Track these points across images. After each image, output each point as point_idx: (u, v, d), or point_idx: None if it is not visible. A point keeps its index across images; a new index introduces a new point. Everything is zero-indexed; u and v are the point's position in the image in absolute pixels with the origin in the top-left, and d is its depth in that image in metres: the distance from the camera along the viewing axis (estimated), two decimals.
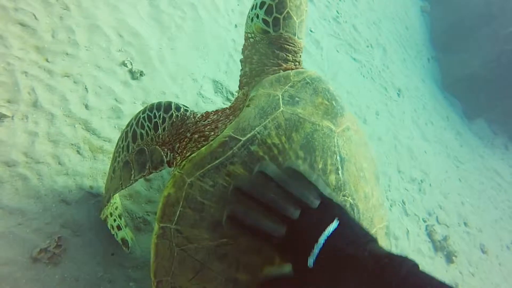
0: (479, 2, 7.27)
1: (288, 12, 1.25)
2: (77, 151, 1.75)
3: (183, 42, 2.51)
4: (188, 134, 1.18)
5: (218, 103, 2.51)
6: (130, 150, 1.25)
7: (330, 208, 0.86)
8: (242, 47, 1.42)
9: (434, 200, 3.96)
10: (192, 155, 1.06)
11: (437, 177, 4.39)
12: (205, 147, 1.05)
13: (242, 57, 1.42)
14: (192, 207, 0.99)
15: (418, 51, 6.61)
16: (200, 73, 2.51)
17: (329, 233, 0.78)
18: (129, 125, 1.30)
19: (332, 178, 1.04)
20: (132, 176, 1.21)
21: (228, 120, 1.16)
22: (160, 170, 1.18)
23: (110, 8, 2.23)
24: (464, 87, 6.96)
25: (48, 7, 1.98)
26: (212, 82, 2.56)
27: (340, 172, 1.06)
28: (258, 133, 1.02)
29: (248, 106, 1.11)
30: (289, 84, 1.16)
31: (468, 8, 7.33)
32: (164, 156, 1.17)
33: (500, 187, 6.08)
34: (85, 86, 1.91)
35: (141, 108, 2.04)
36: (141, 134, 1.24)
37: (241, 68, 1.41)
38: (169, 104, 1.23)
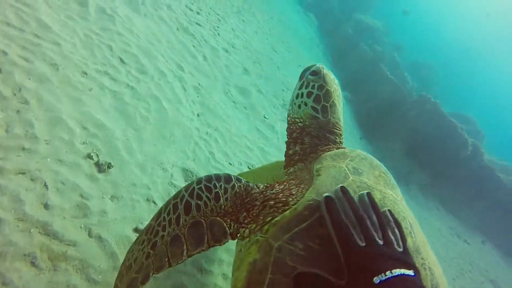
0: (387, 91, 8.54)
1: (333, 101, 1.41)
2: (32, 262, 1.39)
3: (150, 132, 2.38)
4: (258, 203, 1.17)
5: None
6: (181, 223, 1.13)
7: (410, 258, 0.88)
8: (287, 130, 1.53)
9: None
10: (275, 219, 1.04)
11: None
12: (289, 211, 1.04)
13: (288, 139, 1.52)
14: (283, 272, 0.92)
15: (349, 132, 7.26)
16: (169, 162, 2.34)
17: (403, 273, 0.79)
18: (178, 197, 1.20)
19: (410, 241, 1.04)
20: (185, 251, 1.09)
21: (300, 188, 1.17)
22: (223, 244, 1.11)
23: (73, 101, 2.07)
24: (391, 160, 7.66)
25: (3, 101, 1.76)
26: (181, 171, 2.39)
27: (413, 235, 1.08)
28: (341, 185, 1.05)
29: (319, 175, 1.17)
30: (348, 159, 1.25)
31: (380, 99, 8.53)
32: (227, 228, 1.12)
33: (447, 246, 6.31)
34: (45, 183, 1.63)
35: (111, 203, 1.80)
36: (198, 205, 1.15)
37: (290, 148, 1.49)
38: (228, 176, 1.22)
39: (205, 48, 3.98)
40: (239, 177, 1.24)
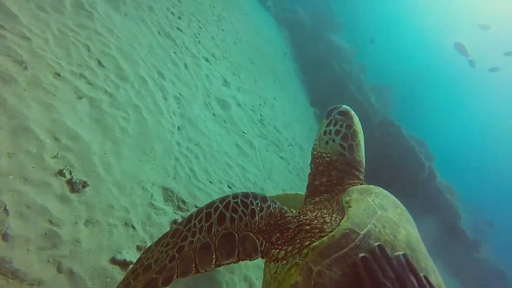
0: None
1: (359, 141, 1.51)
2: None
3: (129, 146, 2.13)
4: (292, 226, 1.20)
5: (169, 213, 2.10)
6: (213, 232, 1.15)
7: None
8: (311, 164, 1.61)
9: None
10: (313, 244, 1.07)
11: None
12: (327, 237, 1.07)
13: (311, 171, 1.59)
14: None
15: None
16: (149, 180, 2.11)
17: None
18: (211, 207, 1.22)
19: (433, 278, 1.09)
20: (214, 260, 1.10)
21: (333, 217, 1.21)
22: (253, 259, 1.13)
23: (43, 107, 1.78)
24: None
25: None
26: (162, 190, 2.17)
27: (435, 274, 1.13)
28: (372, 229, 1.08)
29: (350, 206, 1.21)
30: (374, 195, 1.29)
31: None
32: (258, 245, 1.15)
33: None
34: (5, 207, 1.34)
35: (85, 229, 1.54)
36: (232, 218, 1.18)
37: (315, 179, 1.54)
38: (265, 196, 1.26)
39: (186, 55, 3.77)
40: (275, 200, 1.29)
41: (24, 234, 1.33)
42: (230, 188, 2.88)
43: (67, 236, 1.45)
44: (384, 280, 0.90)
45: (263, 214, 1.21)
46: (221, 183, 2.81)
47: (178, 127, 2.78)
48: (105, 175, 1.82)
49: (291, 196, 2.16)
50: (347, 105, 1.60)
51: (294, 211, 1.31)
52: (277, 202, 1.29)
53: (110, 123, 2.09)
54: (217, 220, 1.17)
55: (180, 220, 2.13)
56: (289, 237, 1.17)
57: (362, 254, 0.99)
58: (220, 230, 1.15)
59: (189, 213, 2.22)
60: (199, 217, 1.20)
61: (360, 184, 1.44)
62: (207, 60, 4.20)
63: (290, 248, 1.13)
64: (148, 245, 1.77)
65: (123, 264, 1.57)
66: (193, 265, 1.08)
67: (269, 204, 1.25)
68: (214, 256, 1.10)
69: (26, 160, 1.53)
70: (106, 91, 2.26)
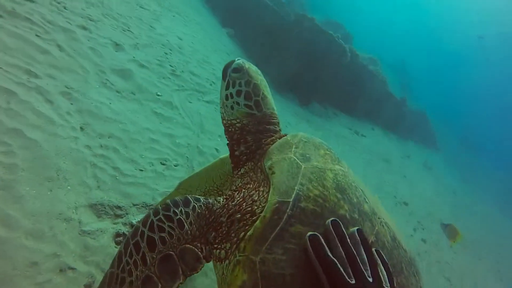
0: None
1: (263, 93, 1.38)
2: None
3: (26, 183, 1.81)
4: (224, 219, 1.14)
5: (108, 228, 1.93)
6: (148, 262, 1.03)
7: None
8: (225, 133, 1.47)
9: None
10: (248, 234, 1.02)
11: None
12: (258, 220, 1.03)
13: (228, 142, 1.47)
14: (273, 283, 0.93)
15: None
16: (70, 206, 1.86)
17: None
18: (137, 234, 1.08)
19: (366, 207, 1.14)
20: None
21: (260, 192, 1.17)
22: (200, 269, 1.07)
23: None
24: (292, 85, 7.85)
25: None
26: (89, 209, 1.95)
27: (367, 200, 1.17)
28: (299, 190, 1.06)
29: (273, 173, 1.15)
30: (293, 147, 1.26)
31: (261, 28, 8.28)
32: (199, 252, 1.08)
33: (352, 145, 7.12)
34: None
35: None
36: (162, 238, 1.06)
37: (234, 149, 1.43)
38: (186, 198, 1.15)
39: (54, 33, 3.06)
40: (196, 196, 1.18)
41: None
42: (164, 164, 2.70)
43: None
44: (333, 258, 0.88)
45: (190, 219, 1.11)
46: (152, 165, 2.61)
47: (81, 127, 2.40)
48: (9, 234, 1.55)
49: (226, 158, 2.03)
50: (239, 58, 1.43)
51: (222, 199, 1.23)
52: (201, 198, 1.18)
53: None
54: (148, 247, 1.04)
55: (122, 228, 1.98)
56: (224, 232, 1.12)
57: (310, 233, 0.96)
58: (155, 256, 1.04)
59: (128, 216, 2.07)
60: (128, 251, 1.06)
61: (279, 138, 1.37)
62: (84, 28, 3.49)
63: (228, 245, 1.08)
64: (97, 276, 1.65)
65: None
66: None
67: (193, 205, 1.13)
68: (160, 286, 1.01)
69: None
70: None
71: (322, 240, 0.94)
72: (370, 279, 0.87)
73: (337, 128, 7.70)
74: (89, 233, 1.82)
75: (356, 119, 9.25)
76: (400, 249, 1.15)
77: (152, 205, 2.25)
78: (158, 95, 3.49)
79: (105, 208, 2.02)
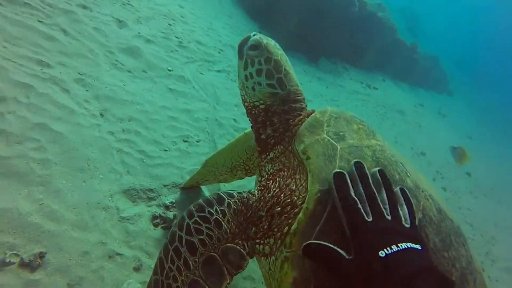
0: None
1: (285, 69, 1.27)
2: None
3: (61, 177, 1.83)
4: (263, 213, 1.10)
5: (144, 212, 1.97)
6: (192, 267, 1.00)
7: (418, 234, 0.87)
8: (248, 116, 1.39)
9: None
10: (292, 228, 0.98)
11: None
12: (301, 213, 0.98)
13: (252, 125, 1.39)
14: (326, 277, 0.88)
15: (250, 30, 6.76)
16: (105, 195, 1.90)
17: (410, 246, 0.77)
18: (175, 240, 1.04)
19: (409, 182, 1.08)
20: None
21: (296, 180, 1.11)
22: (245, 267, 1.04)
23: None
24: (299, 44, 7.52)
25: None
26: (123, 195, 1.98)
27: (409, 175, 1.11)
28: (356, 159, 1.00)
29: (308, 158, 1.09)
30: (325, 125, 1.18)
31: None
32: (241, 249, 1.05)
33: (365, 101, 6.97)
34: None
35: None
36: (201, 240, 1.02)
37: (260, 133, 1.35)
38: (218, 196, 1.10)
39: (56, 16, 2.93)
40: (229, 191, 1.13)
41: None
42: (186, 141, 2.69)
43: None
44: (354, 196, 0.88)
45: (227, 217, 1.06)
46: (175, 144, 2.61)
47: (100, 114, 2.38)
48: (57, 228, 1.60)
49: (250, 132, 1.97)
50: (255, 34, 1.31)
51: (257, 192, 1.17)
52: (234, 193, 1.12)
53: (23, 169, 1.72)
54: (188, 252, 1.01)
55: (157, 210, 2.02)
56: (265, 227, 1.07)
57: (335, 170, 0.95)
58: (197, 260, 1.01)
59: (161, 198, 2.11)
60: (169, 257, 1.03)
61: (307, 116, 1.27)
62: (84, 7, 3.33)
63: (272, 240, 1.04)
64: (141, 257, 1.71)
65: None
66: None
67: (228, 202, 1.08)
68: None
69: None
70: None
71: (347, 178, 0.92)
72: (389, 217, 0.85)
73: (348, 84, 7.48)
74: (127, 219, 1.87)
75: (366, 72, 8.94)
76: (447, 220, 1.11)
77: (181, 184, 2.27)
78: (169, 70, 3.40)
79: (138, 192, 2.05)
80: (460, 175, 6.01)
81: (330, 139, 1.12)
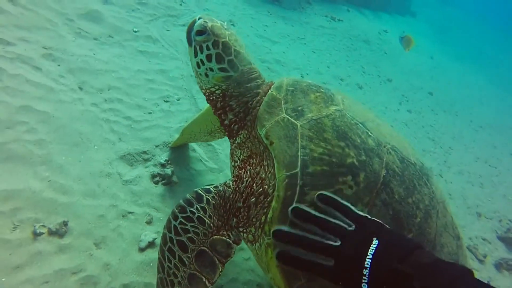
0: None
1: (235, 50, 1.25)
2: None
3: (60, 154, 1.91)
4: (240, 204, 1.15)
5: (143, 174, 2.11)
6: (187, 262, 1.10)
7: (367, 226, 0.89)
8: (208, 104, 1.40)
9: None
10: (269, 216, 1.04)
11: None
12: (274, 200, 1.03)
13: (214, 111, 1.38)
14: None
15: None
16: (104, 163, 2.02)
17: (372, 254, 0.79)
18: (167, 241, 1.13)
19: (370, 142, 1.12)
20: (207, 282, 1.09)
21: (264, 167, 1.15)
22: (233, 254, 1.13)
23: None
24: None
25: None
26: (121, 160, 2.11)
27: (370, 133, 1.15)
28: (303, 155, 1.04)
29: (271, 143, 1.11)
30: (282, 102, 1.19)
31: None
32: (227, 239, 1.13)
33: (331, 35, 6.96)
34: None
35: (101, 251, 1.63)
36: (190, 238, 1.10)
37: (223, 119, 1.35)
38: (196, 193, 1.15)
39: None
40: (206, 187, 1.18)
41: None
42: (167, 101, 2.76)
43: (95, 271, 1.55)
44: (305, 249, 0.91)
45: (208, 213, 1.12)
46: (157, 105, 2.68)
47: (79, 87, 2.38)
48: (70, 199, 1.74)
49: (203, 116, 1.96)
50: (200, 17, 1.26)
51: (231, 183, 1.21)
52: (211, 188, 1.17)
53: (21, 152, 1.79)
54: (181, 250, 1.10)
55: (155, 169, 2.17)
56: (245, 217, 1.14)
57: (276, 251, 0.99)
58: (190, 256, 1.10)
59: (155, 158, 2.25)
60: (166, 257, 1.13)
61: (264, 95, 1.28)
62: None
63: (253, 229, 1.12)
64: (151, 212, 1.91)
65: (150, 245, 1.75)
66: None
67: (207, 199, 1.14)
68: (204, 279, 1.08)
69: None
70: None
71: (292, 234, 0.95)
72: (338, 242, 0.86)
73: (313, 19, 7.35)
74: (130, 181, 2.02)
75: (329, 3, 8.73)
76: (409, 166, 1.17)
77: (171, 142, 2.40)
78: (135, 31, 3.29)
79: (133, 156, 2.18)
80: (423, 96, 6.40)
81: (290, 118, 1.13)
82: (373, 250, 0.79)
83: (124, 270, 1.62)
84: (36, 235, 1.52)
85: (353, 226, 0.89)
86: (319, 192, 0.98)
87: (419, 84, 6.86)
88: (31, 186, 1.68)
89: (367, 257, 0.78)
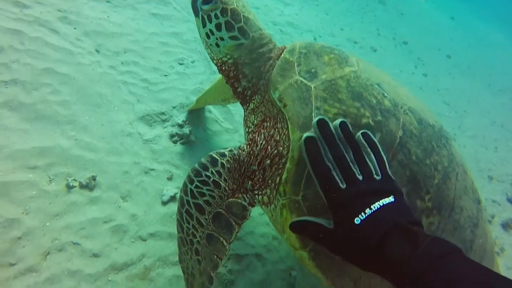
0: None
1: (244, 16, 1.22)
2: None
3: (83, 114, 1.99)
4: (255, 167, 1.15)
5: (161, 133, 2.19)
6: (204, 223, 1.13)
7: (390, 183, 0.88)
8: (220, 72, 1.37)
9: None
10: (283, 177, 1.04)
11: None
12: (289, 162, 1.03)
13: (226, 81, 1.37)
14: (319, 214, 0.96)
15: None
16: (125, 123, 2.10)
17: (382, 204, 0.79)
18: (184, 204, 1.16)
19: (387, 103, 1.10)
20: (225, 242, 1.11)
21: (278, 129, 1.14)
22: (249, 215, 1.14)
23: None
24: None
25: None
26: (141, 121, 2.18)
27: (386, 95, 1.13)
28: (317, 116, 1.00)
29: (285, 106, 1.09)
30: (295, 65, 1.16)
31: None
32: (243, 202, 1.13)
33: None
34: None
35: (127, 203, 1.75)
36: (206, 201, 1.12)
37: (236, 87, 1.33)
38: (211, 157, 1.15)
39: None
40: (221, 150, 1.17)
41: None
42: (182, 64, 2.78)
43: (124, 221, 1.68)
44: (326, 163, 0.88)
45: (224, 176, 1.13)
46: (173, 68, 2.70)
47: (96, 50, 2.41)
48: (96, 156, 1.84)
49: (215, 86, 2.00)
50: None
51: (246, 147, 1.21)
52: (225, 151, 1.17)
53: (49, 113, 1.87)
54: (198, 213, 1.13)
55: (173, 129, 2.25)
56: (260, 180, 1.15)
57: (306, 135, 0.95)
58: (207, 218, 1.13)
59: (173, 118, 2.32)
60: (184, 218, 1.16)
61: (277, 59, 1.26)
62: None
63: (268, 191, 1.13)
64: (171, 169, 2.01)
65: (172, 199, 1.87)
66: (215, 257, 1.12)
67: (221, 163, 1.14)
68: (221, 239, 1.11)
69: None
70: (4, 82, 1.89)
71: (319, 142, 0.91)
72: (360, 177, 0.85)
73: None
74: (150, 141, 2.11)
75: None
76: (428, 128, 1.15)
77: (187, 104, 2.45)
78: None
79: (152, 117, 2.25)
80: (440, 59, 6.18)
81: (303, 80, 1.11)
82: (386, 202, 0.80)
83: (149, 221, 1.75)
84: (69, 187, 1.65)
85: (380, 176, 0.87)
86: (340, 121, 0.96)
87: (436, 46, 6.59)
88: (60, 143, 1.78)
89: (379, 202, 0.79)
